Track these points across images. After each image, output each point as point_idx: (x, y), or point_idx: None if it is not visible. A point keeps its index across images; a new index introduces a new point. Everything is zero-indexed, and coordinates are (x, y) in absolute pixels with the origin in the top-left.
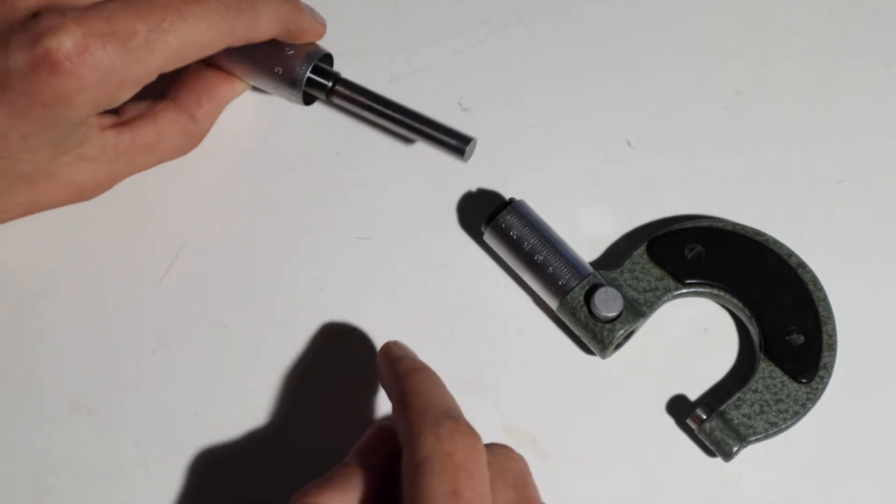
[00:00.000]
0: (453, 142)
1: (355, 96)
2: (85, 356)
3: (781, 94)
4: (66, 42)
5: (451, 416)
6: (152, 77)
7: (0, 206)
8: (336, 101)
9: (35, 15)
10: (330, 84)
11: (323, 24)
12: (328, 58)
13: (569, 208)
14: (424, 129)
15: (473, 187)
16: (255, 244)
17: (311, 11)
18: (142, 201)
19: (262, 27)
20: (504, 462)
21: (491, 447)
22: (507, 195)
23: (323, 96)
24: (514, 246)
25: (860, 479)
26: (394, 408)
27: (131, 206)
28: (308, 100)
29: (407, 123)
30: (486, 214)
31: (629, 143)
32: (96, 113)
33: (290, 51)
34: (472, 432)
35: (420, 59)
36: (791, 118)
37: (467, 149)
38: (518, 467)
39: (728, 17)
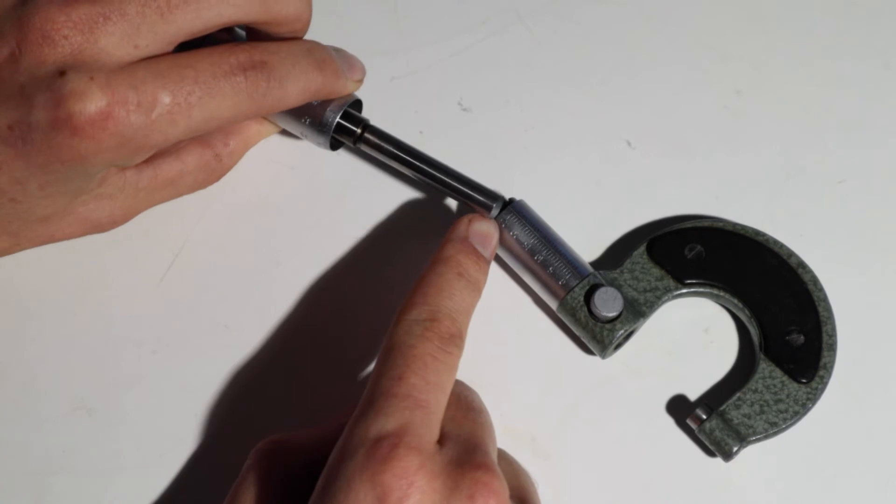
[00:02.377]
0: (482, 198)
1: (383, 144)
2: (85, 356)
3: (781, 94)
4: (89, 107)
5: (436, 317)
6: (171, 143)
7: (15, 240)
8: (363, 147)
9: (62, 73)
10: (359, 131)
11: (359, 79)
12: (357, 104)
13: (569, 208)
14: (452, 183)
15: None
16: (255, 244)
17: (348, 65)
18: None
19: (289, 102)
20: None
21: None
22: (507, 195)
23: (350, 143)
24: (514, 246)
25: (860, 479)
26: None
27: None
28: (335, 145)
29: (434, 176)
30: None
31: (629, 143)
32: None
33: (316, 102)
34: (449, 336)
35: (420, 59)
36: (791, 118)
37: (494, 206)
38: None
39: (728, 18)
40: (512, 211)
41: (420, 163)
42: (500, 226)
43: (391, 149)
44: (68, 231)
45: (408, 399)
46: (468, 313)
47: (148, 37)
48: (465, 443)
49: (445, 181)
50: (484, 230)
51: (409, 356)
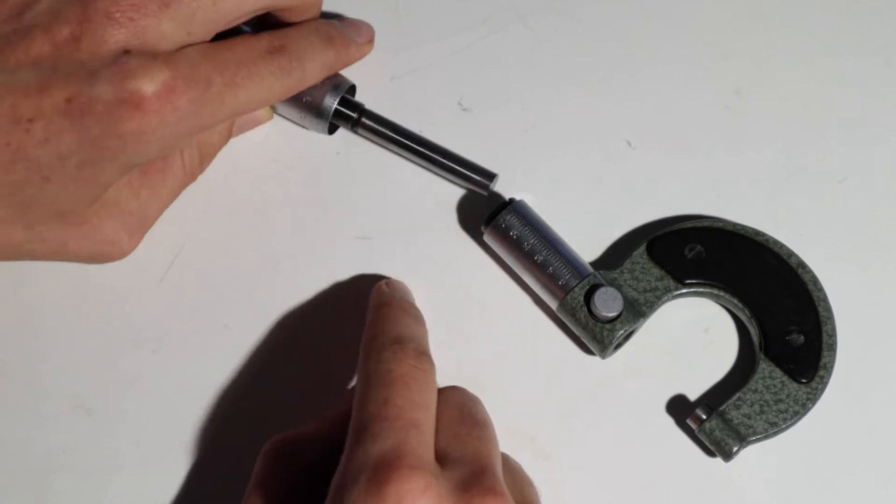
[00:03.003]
0: (477, 177)
1: (379, 128)
2: (85, 356)
3: (782, 92)
4: (155, 82)
5: (400, 341)
6: (213, 126)
7: (28, 236)
8: (360, 132)
9: (126, 52)
10: (355, 115)
11: (369, 39)
12: (352, 88)
13: (569, 208)
14: (448, 163)
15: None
16: (255, 244)
17: (355, 31)
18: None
19: (310, 81)
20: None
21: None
22: (507, 195)
23: (348, 127)
24: (514, 246)
25: (860, 479)
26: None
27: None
28: (331, 129)
29: (430, 157)
30: (486, 214)
31: (629, 143)
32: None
33: (318, 85)
34: (418, 354)
35: (420, 57)
36: (792, 117)
37: (491, 184)
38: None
39: (729, 16)
40: (512, 211)
41: (416, 144)
42: (500, 226)
43: (388, 132)
44: (79, 244)
45: (399, 420)
46: (425, 339)
47: (199, 24)
48: (471, 463)
49: (442, 161)
50: (402, 286)
51: (389, 380)
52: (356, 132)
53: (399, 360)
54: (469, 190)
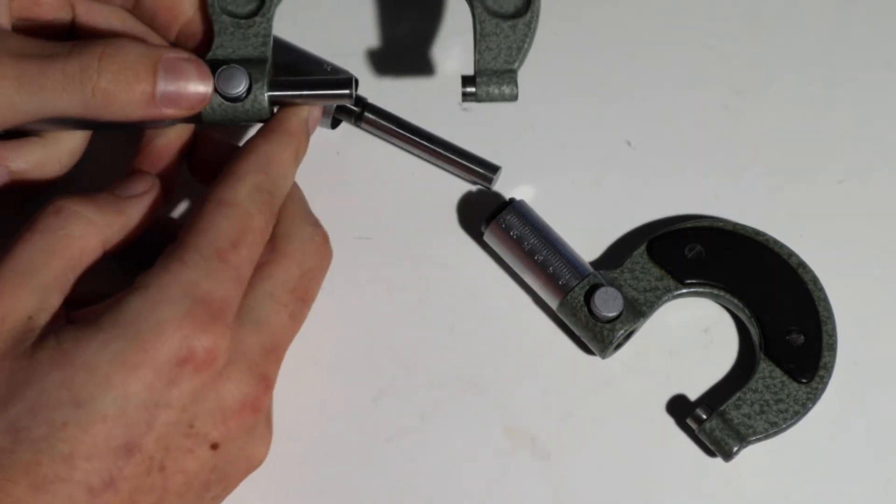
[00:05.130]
0: (480, 170)
1: (382, 122)
2: None
3: (781, 93)
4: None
5: (273, 193)
6: None
7: None
8: (363, 126)
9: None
10: (358, 110)
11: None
12: (355, 82)
13: (569, 208)
14: (452, 156)
15: (473, 187)
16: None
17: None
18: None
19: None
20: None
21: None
22: (507, 195)
23: (351, 121)
24: (514, 246)
25: (860, 479)
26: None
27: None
28: (334, 124)
29: (433, 150)
30: (486, 214)
31: (629, 143)
32: None
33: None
34: (274, 215)
35: (421, 57)
36: (791, 117)
37: (494, 177)
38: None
39: (728, 18)
40: (512, 211)
41: (420, 137)
42: (500, 226)
43: (391, 125)
44: None
45: (236, 272)
46: (284, 195)
47: None
48: (268, 341)
49: (446, 154)
50: (317, 116)
51: (247, 225)
52: (359, 126)
53: (262, 212)
54: (473, 183)
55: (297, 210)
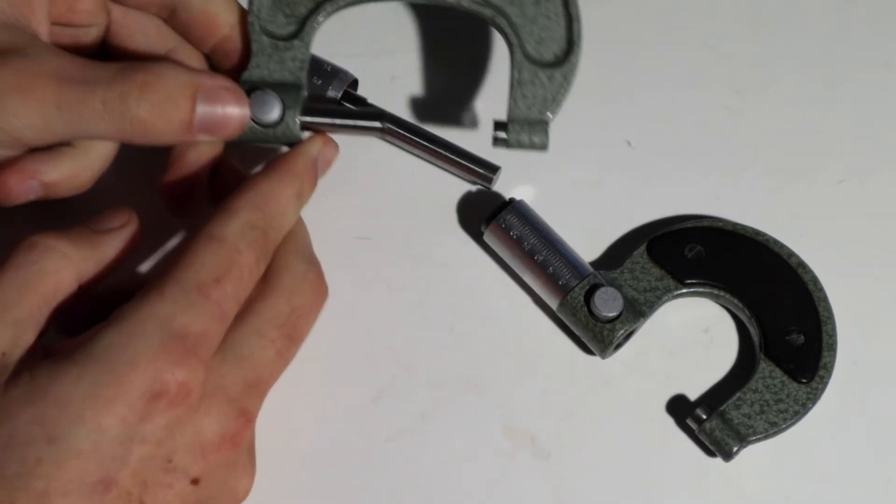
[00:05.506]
0: (481, 170)
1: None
2: None
3: (781, 93)
4: None
5: (269, 228)
6: None
7: None
8: None
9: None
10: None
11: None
12: (354, 83)
13: (569, 208)
14: (452, 157)
15: (473, 187)
16: None
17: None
18: (143, 203)
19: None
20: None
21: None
22: (507, 195)
23: None
24: (514, 246)
25: (860, 479)
26: (255, 176)
27: (133, 208)
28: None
29: (433, 150)
30: (486, 214)
31: (629, 143)
32: None
33: (318, 81)
34: (267, 254)
35: (421, 58)
36: (791, 117)
37: (494, 177)
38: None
39: (728, 17)
40: (512, 211)
41: (420, 138)
42: (500, 226)
43: (390, 126)
44: None
45: (218, 307)
46: (283, 235)
47: None
48: (251, 376)
49: (444, 154)
50: (330, 157)
51: (233, 261)
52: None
53: (253, 249)
54: (473, 184)
55: (293, 246)
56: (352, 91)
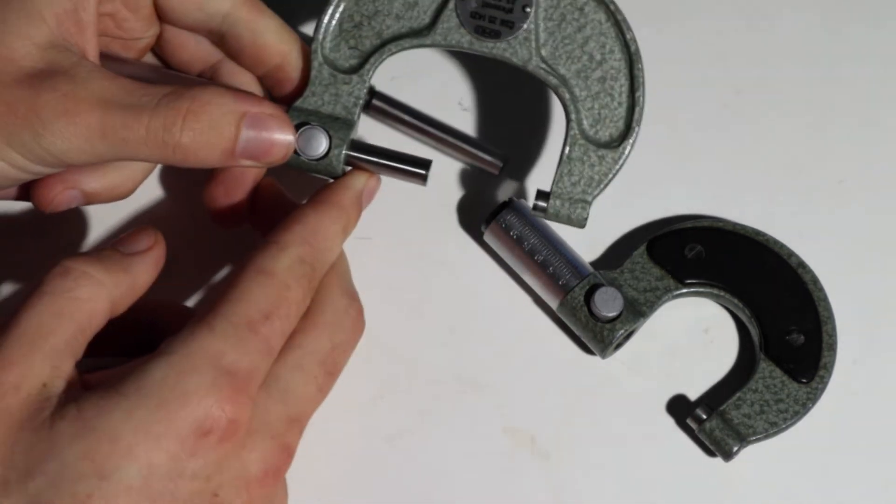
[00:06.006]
0: (489, 158)
1: (391, 109)
2: None
3: (781, 93)
4: None
5: (318, 265)
6: None
7: None
8: (371, 113)
9: None
10: (367, 98)
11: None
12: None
13: None
14: (460, 144)
15: (473, 187)
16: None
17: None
18: (141, 204)
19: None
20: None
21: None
22: (506, 195)
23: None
24: (514, 246)
25: (860, 479)
26: (305, 206)
27: (133, 208)
28: None
29: (442, 137)
30: (486, 214)
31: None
32: None
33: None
34: (314, 288)
35: (421, 58)
36: (791, 118)
37: (503, 164)
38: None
39: (728, 17)
40: (512, 211)
41: (427, 125)
42: (500, 226)
43: (399, 113)
44: None
45: (266, 343)
46: (339, 273)
47: None
48: (293, 411)
49: (451, 141)
50: (374, 188)
51: (283, 297)
52: (367, 114)
53: (301, 284)
54: (481, 170)
55: (336, 280)
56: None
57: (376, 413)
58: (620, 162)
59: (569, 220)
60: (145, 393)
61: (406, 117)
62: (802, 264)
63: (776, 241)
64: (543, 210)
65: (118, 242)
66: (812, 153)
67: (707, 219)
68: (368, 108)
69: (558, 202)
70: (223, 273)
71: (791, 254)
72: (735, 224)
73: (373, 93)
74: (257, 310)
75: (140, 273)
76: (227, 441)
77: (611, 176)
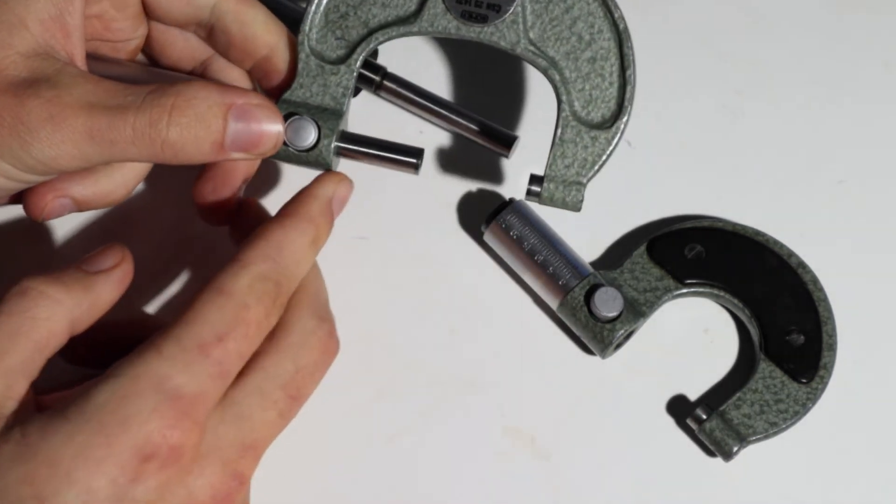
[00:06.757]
0: (500, 138)
1: (401, 90)
2: None
3: (781, 93)
4: None
5: (281, 282)
6: None
7: None
8: (383, 94)
9: None
10: (378, 78)
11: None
12: (374, 52)
13: None
14: (470, 125)
15: (473, 187)
16: None
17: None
18: (142, 203)
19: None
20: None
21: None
22: (507, 195)
23: (371, 89)
24: (514, 246)
25: (860, 479)
26: (269, 222)
27: (132, 206)
28: (355, 92)
29: (450, 118)
30: (486, 214)
31: (629, 143)
32: None
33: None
34: (280, 306)
35: (421, 58)
36: (791, 118)
37: (513, 146)
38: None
39: (728, 17)
40: (512, 211)
41: (437, 105)
42: (500, 226)
43: (410, 94)
44: None
45: (218, 366)
46: (297, 284)
47: None
48: (248, 437)
49: (462, 122)
50: (345, 195)
51: (240, 318)
52: (379, 95)
53: (263, 303)
54: (491, 151)
55: (305, 298)
56: (371, 60)
57: (376, 413)
58: (614, 142)
59: (564, 204)
60: (87, 417)
61: (416, 98)
62: (802, 264)
63: (776, 241)
64: (538, 195)
65: (82, 261)
66: (812, 153)
67: (707, 219)
68: (381, 88)
69: (552, 185)
70: None
71: (791, 254)
72: (735, 224)
73: (385, 74)
74: (210, 331)
75: (102, 292)
76: (168, 467)
77: (605, 157)
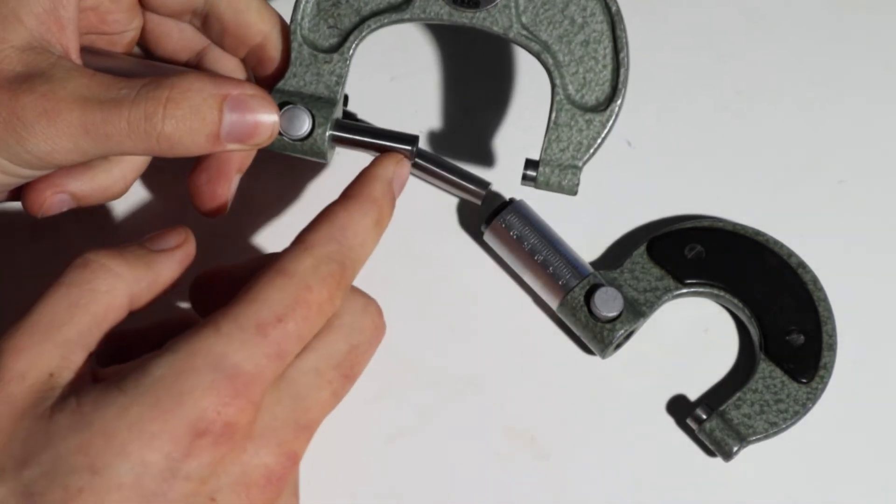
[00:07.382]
0: (472, 186)
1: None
2: None
3: (781, 93)
4: None
5: (346, 266)
6: None
7: None
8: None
9: None
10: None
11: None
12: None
13: (569, 208)
14: (442, 173)
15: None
16: (255, 245)
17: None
18: (141, 204)
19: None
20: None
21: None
22: (507, 195)
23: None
24: (514, 246)
25: (860, 479)
26: (338, 201)
27: (131, 207)
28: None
29: (426, 168)
30: (486, 214)
31: (629, 143)
32: None
33: None
34: (345, 288)
35: (420, 59)
36: (791, 118)
37: (485, 193)
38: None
39: (728, 17)
40: (512, 211)
41: (427, 162)
42: (500, 226)
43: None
44: None
45: (276, 347)
46: (363, 266)
47: None
48: (303, 418)
49: (434, 170)
50: (405, 175)
51: (300, 299)
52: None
53: (326, 285)
54: (462, 199)
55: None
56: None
57: (376, 413)
58: (609, 125)
59: (560, 188)
60: (143, 391)
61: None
62: (802, 264)
63: (776, 241)
64: (533, 179)
65: (146, 239)
66: (812, 153)
67: (707, 219)
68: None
69: (548, 169)
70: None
71: (791, 254)
72: (735, 224)
73: (345, 114)
74: (269, 311)
75: (163, 270)
76: (222, 444)
77: (600, 140)
